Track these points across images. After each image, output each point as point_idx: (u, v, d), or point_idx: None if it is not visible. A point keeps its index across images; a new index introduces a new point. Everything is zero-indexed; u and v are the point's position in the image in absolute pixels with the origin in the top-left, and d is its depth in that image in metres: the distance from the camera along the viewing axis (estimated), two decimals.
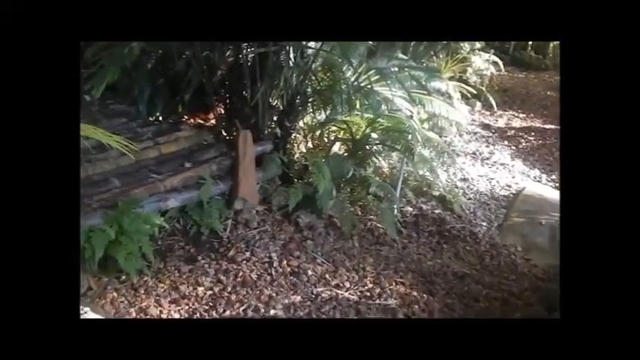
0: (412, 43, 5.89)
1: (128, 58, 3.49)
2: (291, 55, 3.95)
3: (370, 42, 4.23)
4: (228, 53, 4.17)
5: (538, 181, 5.70)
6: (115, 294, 2.81)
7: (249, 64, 3.95)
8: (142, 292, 2.87)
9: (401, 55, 4.84)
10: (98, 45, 3.65)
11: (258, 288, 3.05)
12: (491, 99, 7.54)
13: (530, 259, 4.08)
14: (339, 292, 3.16)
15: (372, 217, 4.13)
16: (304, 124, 4.64)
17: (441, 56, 6.98)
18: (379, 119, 4.25)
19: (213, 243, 3.39)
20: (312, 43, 4.19)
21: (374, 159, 4.39)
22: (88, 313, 2.44)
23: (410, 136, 4.16)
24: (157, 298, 2.84)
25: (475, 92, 7.19)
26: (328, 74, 4.19)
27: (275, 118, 4.30)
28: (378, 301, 3.15)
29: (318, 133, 4.61)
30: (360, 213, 4.15)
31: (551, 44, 10.40)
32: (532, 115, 8.01)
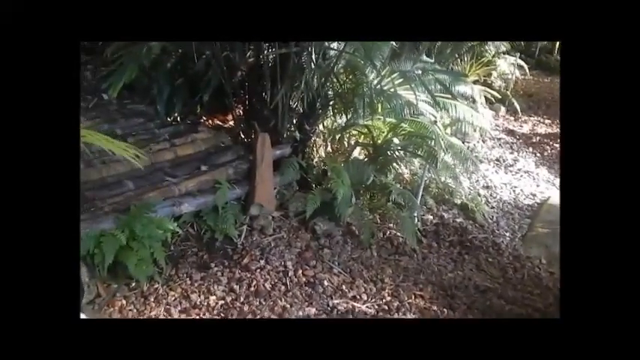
0: (437, 46, 5.79)
1: (147, 57, 3.41)
2: (313, 57, 3.83)
3: (394, 43, 4.11)
4: (248, 54, 4.07)
5: None
6: (124, 301, 2.74)
7: (269, 65, 3.85)
8: (152, 300, 2.79)
9: (425, 58, 4.71)
10: (118, 44, 3.59)
11: (272, 299, 2.94)
12: (515, 104, 7.35)
13: (555, 273, 3.91)
14: (356, 304, 3.04)
15: (391, 225, 3.99)
16: (324, 127, 4.52)
17: (465, 59, 6.81)
18: (402, 124, 4.11)
19: (227, 250, 3.29)
20: (334, 45, 4.08)
21: (395, 165, 4.24)
22: None
23: (433, 142, 4.02)
24: (167, 306, 2.75)
25: (499, 97, 7.01)
26: (350, 77, 4.06)
27: (294, 121, 4.20)
28: (396, 315, 3.02)
29: (338, 137, 4.49)
30: (379, 221, 4.02)
31: None
32: (558, 121, 7.76)
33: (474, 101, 5.93)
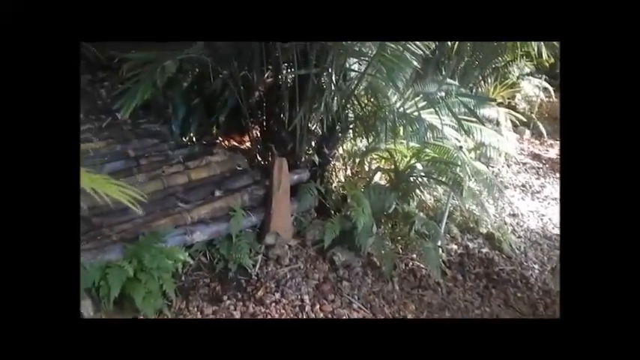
0: (460, 67, 5.61)
1: (161, 77, 3.28)
2: (333, 78, 3.67)
3: (417, 65, 3.95)
4: (267, 74, 3.93)
5: None
6: None
7: (288, 85, 3.71)
8: None
9: (449, 80, 4.53)
10: (135, 61, 3.48)
11: None
12: (541, 127, 7.11)
13: None
14: None
15: (413, 256, 3.78)
16: (344, 150, 4.34)
17: (489, 81, 6.61)
18: (426, 149, 3.92)
19: (240, 281, 3.11)
20: (355, 66, 3.92)
21: (418, 192, 4.04)
22: None
23: (458, 169, 3.81)
24: None
25: (524, 119, 6.78)
26: (372, 99, 3.89)
27: (313, 144, 4.04)
28: None
29: (358, 160, 4.31)
30: (400, 251, 3.81)
31: None
32: None
33: (497, 124, 5.74)
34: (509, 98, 7.03)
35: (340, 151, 4.27)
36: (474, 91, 6.01)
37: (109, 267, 2.50)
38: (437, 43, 4.17)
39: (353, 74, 3.90)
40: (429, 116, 3.85)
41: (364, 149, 4.18)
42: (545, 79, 7.79)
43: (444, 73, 4.78)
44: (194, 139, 4.25)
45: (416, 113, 3.69)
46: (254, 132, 4.26)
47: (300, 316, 2.92)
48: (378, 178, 4.23)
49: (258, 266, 3.22)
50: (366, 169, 4.33)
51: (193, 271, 3.09)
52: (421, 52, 3.81)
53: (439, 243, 3.74)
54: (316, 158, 3.91)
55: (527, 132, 7.26)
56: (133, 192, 1.82)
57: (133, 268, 2.55)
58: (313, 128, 4.02)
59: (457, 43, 5.05)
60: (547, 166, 6.47)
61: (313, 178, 3.78)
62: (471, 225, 4.46)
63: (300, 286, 3.16)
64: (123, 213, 2.90)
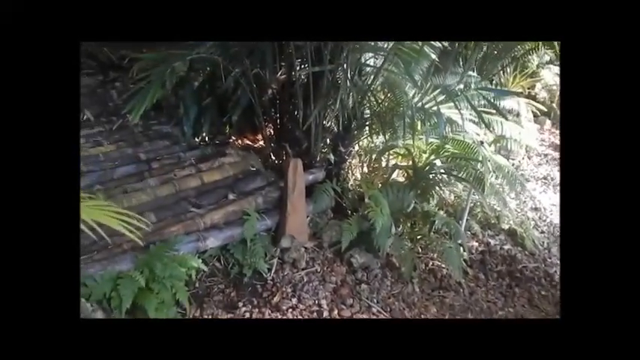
0: (478, 58, 5.44)
1: (170, 78, 3.20)
2: (349, 74, 3.55)
3: (436, 58, 3.81)
4: (280, 72, 3.82)
5: None
6: None
7: (302, 82, 3.60)
8: None
9: (469, 73, 4.38)
10: (146, 61, 3.40)
11: None
12: None
13: None
14: None
15: (433, 255, 3.67)
16: (360, 147, 4.23)
17: (508, 71, 6.42)
18: (445, 145, 3.78)
19: (256, 286, 3.03)
20: (371, 61, 3.80)
21: (437, 189, 3.91)
22: None
23: (479, 165, 3.68)
24: None
25: (545, 109, 6.58)
26: (389, 95, 3.76)
27: (328, 142, 3.93)
28: None
29: (374, 157, 4.20)
30: (420, 250, 3.70)
31: None
32: None
33: (518, 115, 5.57)
34: (529, 88, 6.84)
35: (356, 148, 4.16)
36: (494, 82, 5.83)
37: (120, 277, 2.43)
38: None
39: (369, 69, 3.78)
40: (447, 110, 3.72)
41: (381, 146, 4.06)
42: None
43: (462, 64, 4.62)
44: (206, 139, 4.18)
45: (435, 108, 3.56)
46: (267, 131, 4.17)
47: None
48: (396, 175, 4.11)
49: (273, 270, 3.13)
50: (383, 164, 4.21)
51: (207, 277, 3.01)
52: (439, 45, 3.68)
53: (460, 241, 3.61)
54: (332, 157, 3.81)
55: (548, 122, 7.04)
56: (137, 218, 1.75)
57: (145, 277, 2.48)
58: (328, 126, 3.91)
59: None
60: None
61: (329, 178, 3.68)
62: (492, 221, 4.33)
63: (317, 290, 3.07)
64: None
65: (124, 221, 1.76)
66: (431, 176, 3.80)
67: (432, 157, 3.87)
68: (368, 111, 3.87)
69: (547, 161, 6.08)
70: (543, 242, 4.30)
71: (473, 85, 4.01)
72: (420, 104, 3.66)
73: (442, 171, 3.86)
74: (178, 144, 3.82)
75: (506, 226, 4.31)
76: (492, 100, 3.81)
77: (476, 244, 4.04)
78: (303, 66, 3.63)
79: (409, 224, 3.68)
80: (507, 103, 5.18)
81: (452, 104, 3.57)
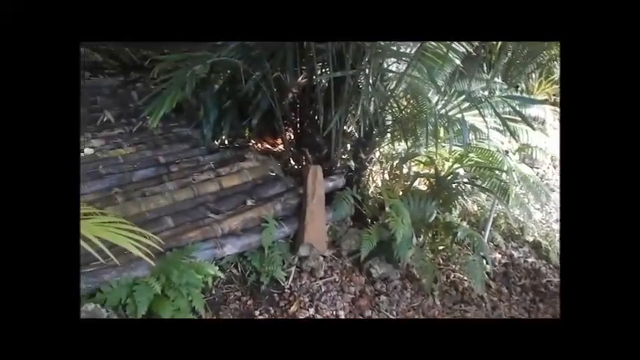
0: (503, 64, 5.32)
1: (190, 81, 3.16)
2: (370, 79, 3.48)
3: (460, 63, 3.72)
4: (301, 76, 3.77)
5: None
6: None
7: (323, 87, 3.54)
8: None
9: (495, 79, 4.28)
10: (167, 62, 3.37)
11: None
12: None
13: None
14: None
15: (455, 267, 3.57)
16: (381, 154, 4.15)
17: (534, 77, 6.28)
18: (469, 153, 3.69)
19: (273, 295, 2.97)
20: (393, 67, 3.72)
21: (460, 199, 3.81)
22: None
23: (504, 175, 3.57)
24: None
25: None
26: (412, 101, 3.68)
27: (349, 148, 3.86)
28: None
29: (395, 164, 4.11)
30: (441, 262, 3.60)
31: None
32: None
33: (543, 123, 5.44)
34: (554, 95, 6.67)
35: (377, 155, 4.08)
36: (519, 88, 5.71)
37: (136, 284, 2.40)
38: None
39: (391, 75, 3.71)
40: (471, 118, 3.63)
41: (403, 153, 3.98)
42: None
43: (485, 70, 4.52)
44: (226, 142, 4.14)
45: (458, 115, 3.47)
46: (287, 135, 4.11)
47: None
48: (417, 183, 4.02)
49: (291, 279, 3.07)
50: (405, 170, 4.13)
51: (224, 283, 2.95)
52: (463, 50, 3.59)
53: (483, 254, 3.51)
54: (352, 163, 3.74)
55: None
56: (148, 237, 1.71)
57: (161, 284, 2.44)
58: (349, 131, 3.84)
59: None
60: None
61: (349, 185, 3.61)
62: (516, 232, 4.21)
63: (335, 300, 3.00)
64: (152, 225, 2.79)
65: (133, 239, 1.72)
66: (454, 186, 3.70)
67: (455, 165, 3.77)
68: (390, 117, 3.79)
69: None
70: None
71: (498, 92, 3.91)
72: (443, 111, 3.58)
73: (465, 180, 3.76)
74: (198, 147, 3.79)
75: (530, 238, 4.19)
76: (517, 108, 3.71)
77: (499, 255, 3.93)
78: (324, 70, 3.57)
79: (430, 235, 3.58)
80: (533, 110, 5.06)
81: (476, 111, 3.48)
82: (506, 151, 3.75)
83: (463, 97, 3.61)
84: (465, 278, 3.45)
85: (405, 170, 4.13)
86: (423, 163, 4.02)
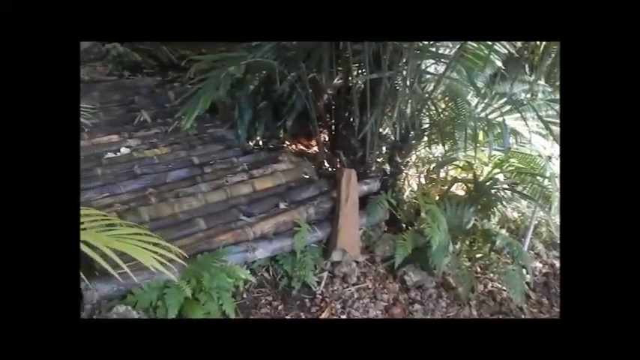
0: (547, 65, 5.13)
1: (225, 83, 3.15)
2: (408, 81, 3.39)
3: (502, 65, 3.59)
4: (337, 77, 3.71)
5: None
6: None
7: (359, 88, 3.47)
8: None
9: (539, 82, 4.12)
10: (204, 62, 3.37)
11: None
12: None
13: None
14: None
15: (493, 276, 3.44)
16: (417, 157, 4.05)
17: None
18: (510, 159, 3.55)
19: (304, 300, 2.92)
20: (431, 68, 3.62)
21: (499, 206, 3.67)
22: None
23: (547, 181, 3.43)
24: None
25: None
26: (450, 104, 3.57)
27: (384, 151, 3.78)
28: None
29: (432, 167, 4.01)
30: (479, 270, 3.48)
31: None
32: None
33: None
34: None
35: (413, 158, 3.99)
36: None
37: (166, 287, 2.39)
38: None
39: (429, 76, 3.61)
40: (512, 121, 3.49)
41: (440, 157, 3.87)
42: None
43: (528, 72, 4.36)
44: (260, 143, 4.12)
45: (499, 118, 3.34)
46: (322, 137, 4.06)
47: None
48: (455, 189, 3.90)
49: (323, 284, 3.02)
50: (442, 174, 4.02)
51: (255, 287, 2.92)
52: (505, 51, 3.47)
53: (523, 263, 3.37)
54: (387, 167, 3.66)
55: None
56: (174, 250, 1.69)
57: (192, 288, 2.42)
58: (385, 134, 3.76)
59: None
60: None
61: (384, 189, 3.52)
62: (558, 241, 4.04)
63: (367, 308, 2.93)
64: (184, 226, 2.79)
65: (157, 253, 1.69)
66: (493, 191, 3.57)
67: (495, 170, 3.65)
68: (427, 120, 3.70)
69: None
70: None
71: (541, 95, 3.76)
72: (483, 114, 3.46)
73: (505, 186, 3.62)
74: (232, 148, 3.78)
75: None
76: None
77: (539, 265, 3.77)
78: (360, 72, 3.51)
79: (468, 242, 3.47)
80: None
81: (517, 115, 3.35)
82: (549, 157, 3.59)
83: (504, 99, 3.48)
84: (504, 288, 3.32)
85: (442, 175, 4.03)
86: (461, 167, 3.90)
